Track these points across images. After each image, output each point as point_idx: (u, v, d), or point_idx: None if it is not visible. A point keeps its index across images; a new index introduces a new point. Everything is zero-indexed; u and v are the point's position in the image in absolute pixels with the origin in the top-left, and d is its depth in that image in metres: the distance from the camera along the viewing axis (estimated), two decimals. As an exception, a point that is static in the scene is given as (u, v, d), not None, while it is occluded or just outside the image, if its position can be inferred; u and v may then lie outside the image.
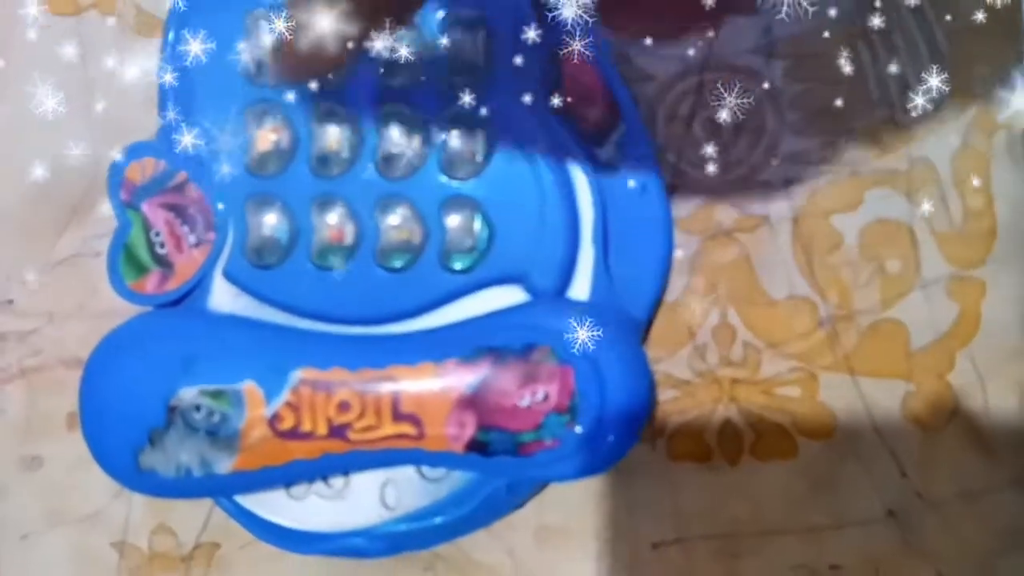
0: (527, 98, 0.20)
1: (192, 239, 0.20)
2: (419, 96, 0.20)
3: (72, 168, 0.23)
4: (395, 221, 0.20)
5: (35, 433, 0.24)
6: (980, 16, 0.21)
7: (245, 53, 0.20)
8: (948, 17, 0.22)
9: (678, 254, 0.23)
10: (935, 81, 0.22)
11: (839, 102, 0.22)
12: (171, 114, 0.20)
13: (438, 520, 0.20)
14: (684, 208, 0.23)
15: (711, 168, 0.22)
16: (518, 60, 0.20)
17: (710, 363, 0.23)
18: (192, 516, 0.24)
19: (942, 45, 0.22)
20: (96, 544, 0.24)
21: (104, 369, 0.19)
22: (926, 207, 0.22)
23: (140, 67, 0.23)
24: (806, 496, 0.23)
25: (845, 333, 0.22)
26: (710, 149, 0.22)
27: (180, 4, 0.20)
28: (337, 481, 0.20)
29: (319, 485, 0.20)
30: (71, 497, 0.24)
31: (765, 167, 0.23)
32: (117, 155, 0.21)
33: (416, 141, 0.20)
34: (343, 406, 0.18)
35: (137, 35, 0.23)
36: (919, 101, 0.22)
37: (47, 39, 0.24)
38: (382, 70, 0.20)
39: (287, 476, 0.19)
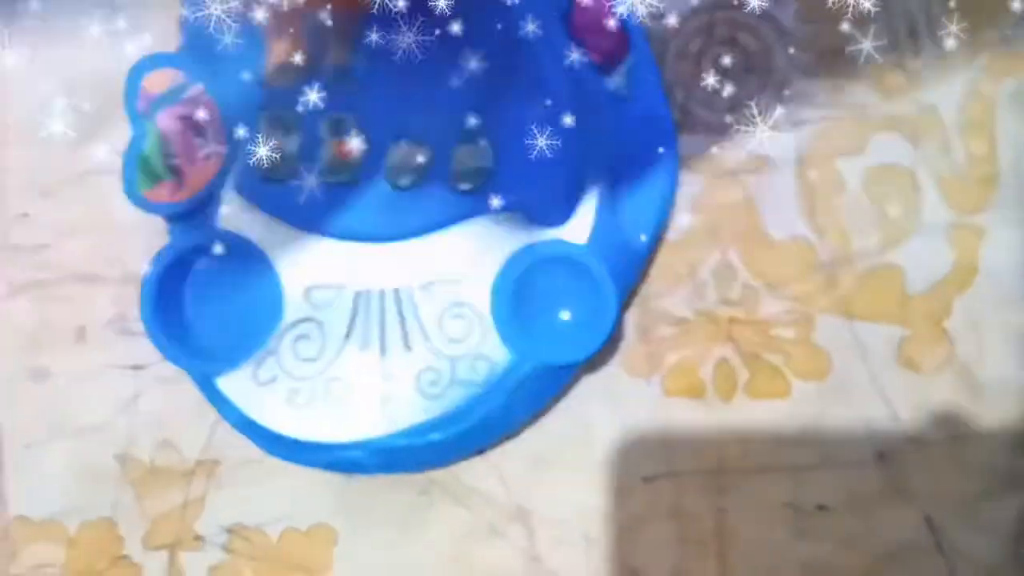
0: (535, 21, 0.20)
1: (204, 152, 0.21)
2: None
3: (89, 78, 0.24)
4: (404, 140, 0.20)
5: (43, 345, 0.25)
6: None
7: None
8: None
9: (681, 193, 0.23)
10: (944, 27, 0.22)
11: (848, 44, 0.22)
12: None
13: (435, 436, 0.20)
14: (690, 147, 0.23)
15: (718, 108, 0.23)
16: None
17: (709, 301, 0.23)
18: (195, 432, 0.24)
19: (953, -7, 0.22)
20: (99, 456, 0.24)
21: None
22: (929, 152, 0.22)
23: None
24: (797, 436, 0.23)
25: (843, 276, 0.23)
26: (718, 87, 0.22)
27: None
28: (338, 393, 0.21)
29: (321, 396, 0.21)
30: (76, 409, 0.25)
31: (772, 108, 0.23)
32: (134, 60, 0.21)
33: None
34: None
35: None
36: (927, 49, 0.22)
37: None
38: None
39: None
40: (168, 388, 0.24)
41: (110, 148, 0.24)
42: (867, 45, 0.21)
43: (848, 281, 0.23)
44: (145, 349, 0.22)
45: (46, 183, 0.24)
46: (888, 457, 0.23)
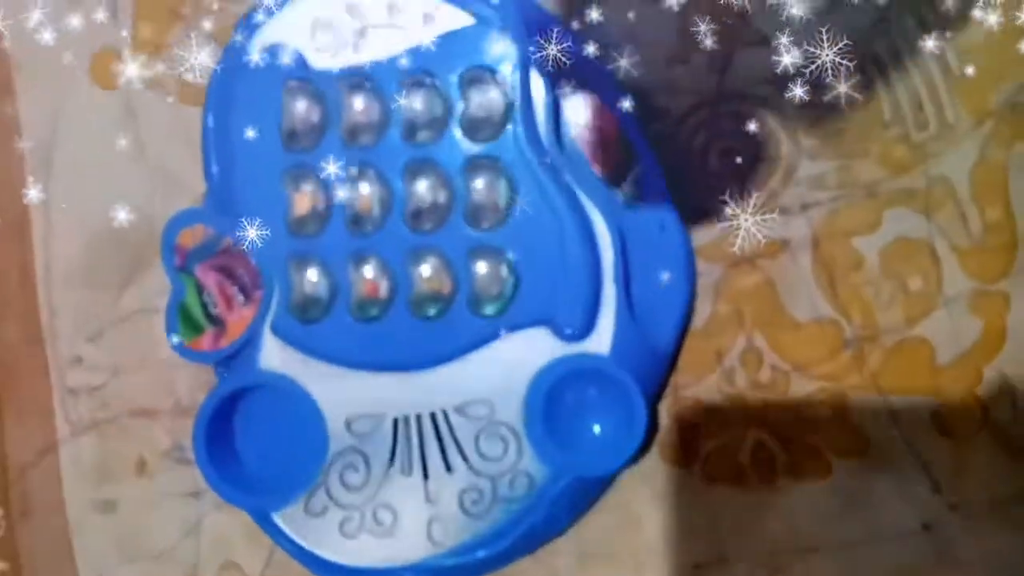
0: (542, 145, 0.21)
1: (241, 298, 0.22)
2: (441, 151, 0.21)
3: (127, 229, 0.25)
4: (426, 272, 0.21)
5: (108, 478, 0.26)
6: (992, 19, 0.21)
7: (281, 122, 0.21)
8: (949, 36, 0.22)
9: (701, 282, 0.23)
10: (948, 97, 0.22)
11: (852, 125, 0.22)
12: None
13: (482, 553, 0.21)
14: (704, 237, 0.23)
15: (729, 197, 0.23)
16: (533, 110, 0.21)
17: (739, 387, 0.23)
18: (256, 553, 0.25)
19: (953, 63, 0.22)
20: (168, 581, 0.26)
21: None
22: (945, 224, 0.22)
23: (186, 133, 0.25)
24: (842, 513, 0.23)
25: (871, 352, 0.23)
26: (726, 178, 0.23)
27: (218, 78, 0.21)
28: (386, 519, 0.22)
29: (370, 524, 0.22)
30: (143, 537, 0.26)
31: (782, 193, 0.23)
32: (167, 216, 0.22)
33: (441, 194, 0.21)
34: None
35: (182, 104, 0.25)
36: (932, 121, 0.22)
37: (97, 110, 0.25)
38: (406, 130, 0.21)
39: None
40: (227, 511, 0.25)
41: (151, 291, 0.25)
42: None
43: (876, 357, 0.23)
44: (202, 476, 0.23)
45: (95, 327, 0.26)
46: (934, 527, 0.23)
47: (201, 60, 0.24)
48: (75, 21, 0.25)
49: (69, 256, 0.26)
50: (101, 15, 0.25)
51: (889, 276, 0.23)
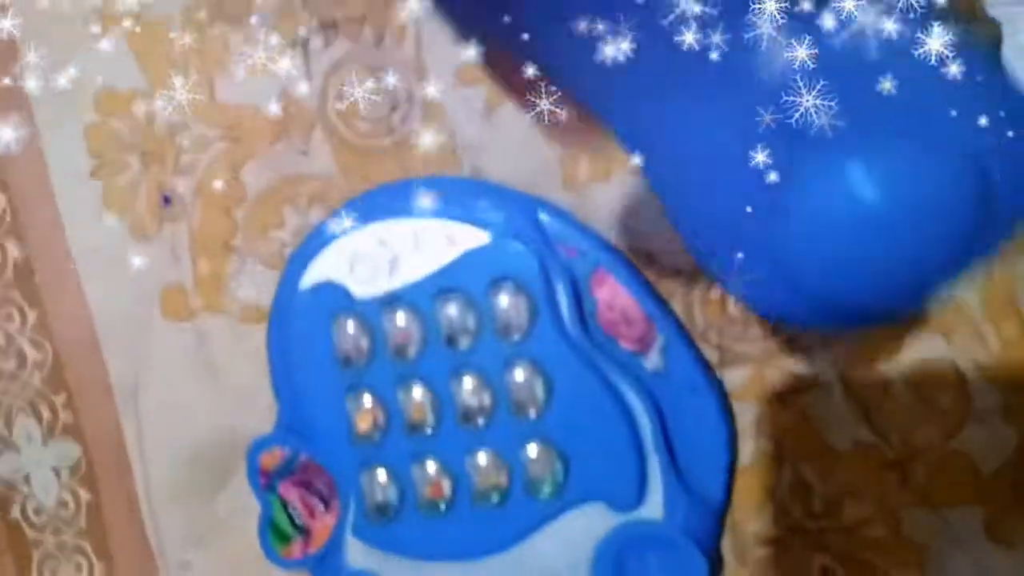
0: (570, 335, 0.22)
1: (322, 507, 0.24)
2: (479, 355, 0.23)
3: (212, 445, 0.28)
4: (483, 463, 0.23)
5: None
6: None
7: (334, 348, 0.23)
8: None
9: (741, 421, 0.25)
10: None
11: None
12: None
13: None
14: (736, 380, 0.25)
15: (753, 338, 0.25)
16: (557, 306, 0.23)
17: (795, 517, 0.25)
18: None
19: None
20: None
21: None
22: (963, 344, 0.23)
23: (253, 351, 0.27)
24: (913, 627, 0.24)
25: (915, 470, 0.24)
26: (749, 322, 0.24)
27: (274, 316, 0.24)
28: None
29: None
30: None
31: (804, 331, 0.24)
32: (242, 430, 0.25)
33: (485, 393, 0.23)
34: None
35: (242, 324, 0.28)
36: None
37: (170, 341, 0.28)
38: (446, 340, 0.23)
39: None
40: None
41: (244, 493, 0.27)
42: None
43: (921, 474, 0.24)
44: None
45: (196, 535, 0.28)
46: (1006, 633, 0.23)
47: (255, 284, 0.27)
48: (138, 261, 0.28)
49: (165, 478, 0.28)
50: (162, 255, 0.28)
51: (919, 397, 0.24)
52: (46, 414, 0.30)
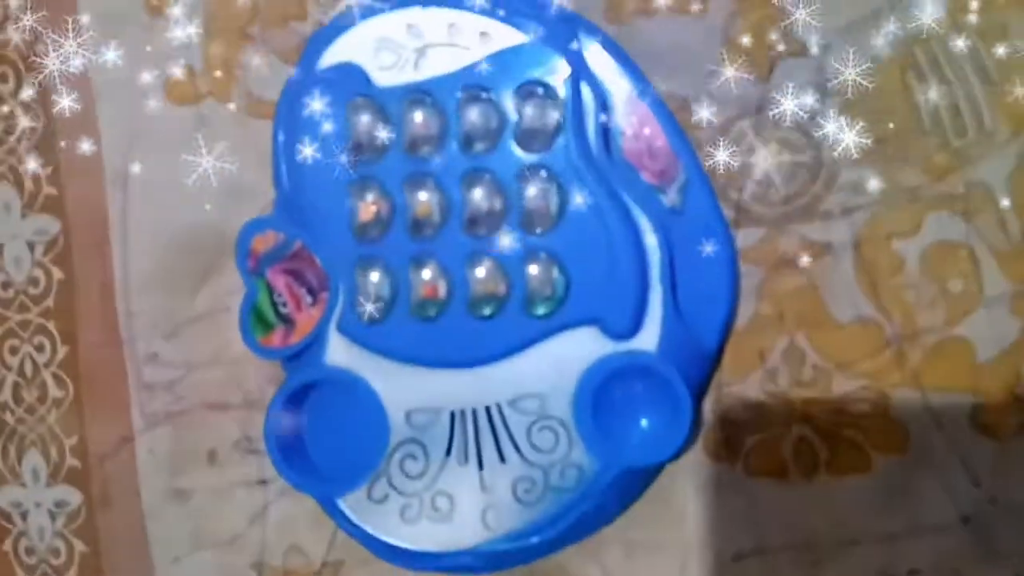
0: (592, 155, 0.22)
1: (309, 299, 0.23)
2: (496, 161, 0.22)
3: (202, 233, 0.27)
4: (482, 274, 0.22)
5: (181, 468, 0.28)
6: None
7: (347, 136, 0.22)
8: (995, 41, 0.23)
9: (745, 283, 0.24)
10: (986, 106, 0.23)
11: (893, 132, 0.23)
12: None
13: (535, 539, 0.22)
14: (748, 239, 0.24)
15: (772, 201, 0.24)
16: (583, 122, 0.22)
17: (782, 385, 0.24)
18: (319, 537, 0.27)
19: (991, 69, 0.23)
20: (237, 565, 0.27)
21: None
22: (984, 228, 0.23)
23: (255, 144, 0.26)
24: (882, 506, 0.24)
25: (912, 351, 0.24)
26: (770, 183, 0.24)
27: (287, 95, 0.23)
28: (444, 506, 0.23)
29: (428, 510, 0.23)
30: (214, 524, 0.27)
31: (825, 197, 0.24)
32: (236, 222, 0.24)
33: (497, 200, 0.22)
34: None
35: (250, 117, 0.27)
36: (971, 128, 0.23)
37: (171, 124, 0.27)
38: (464, 141, 0.22)
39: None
40: (292, 498, 0.27)
41: (223, 292, 0.27)
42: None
43: (917, 355, 0.24)
44: (269, 465, 0.25)
45: (170, 327, 0.28)
46: (973, 520, 0.23)
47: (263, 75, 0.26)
48: (149, 47, 0.27)
49: (145, 264, 0.27)
50: (175, 35, 0.27)
51: (930, 278, 0.23)
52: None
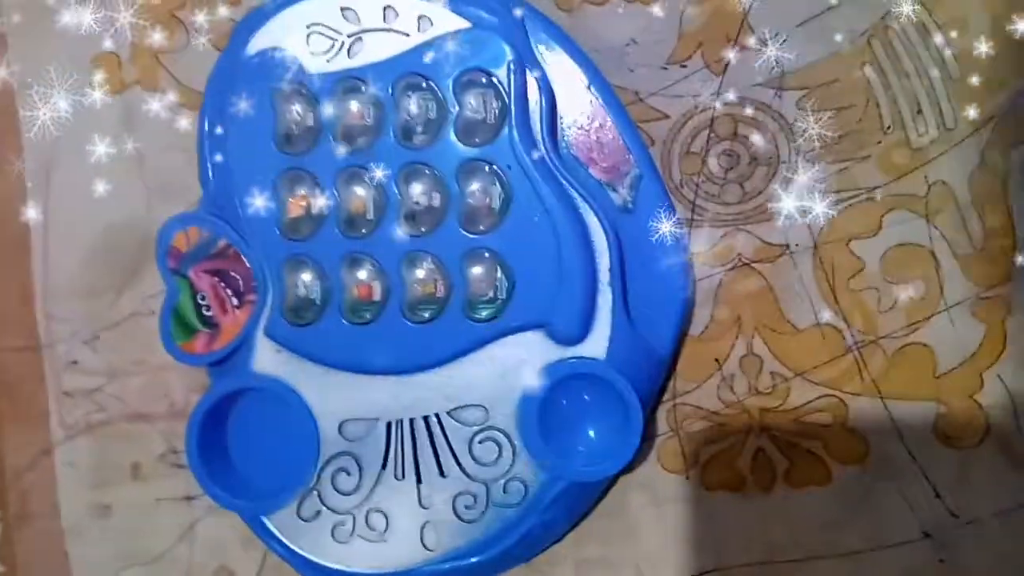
0: (537, 150, 0.20)
1: (235, 301, 0.22)
2: (436, 155, 0.21)
3: (127, 232, 0.25)
4: (420, 275, 0.21)
5: (103, 482, 0.26)
6: (985, 48, 0.21)
7: (276, 126, 0.21)
8: (955, 36, 0.22)
9: (700, 286, 0.23)
10: (947, 102, 0.22)
11: (851, 129, 0.22)
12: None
13: (475, 559, 0.21)
14: (703, 241, 0.23)
15: (728, 201, 0.23)
16: (528, 113, 0.21)
17: (739, 393, 0.23)
18: (250, 558, 0.25)
19: (952, 67, 0.22)
20: (164, 585, 0.26)
21: None
22: (945, 228, 0.22)
23: (183, 139, 0.24)
24: (842, 520, 0.23)
25: (872, 358, 0.23)
26: (726, 182, 0.23)
27: (214, 82, 0.21)
28: (379, 524, 0.21)
29: (362, 528, 0.21)
30: (139, 541, 0.26)
31: (782, 196, 0.23)
32: (163, 221, 0.22)
33: (436, 197, 0.21)
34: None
35: (179, 107, 0.25)
36: (932, 125, 0.22)
37: (96, 117, 0.25)
38: (401, 133, 0.21)
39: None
40: (221, 516, 0.25)
41: (146, 295, 0.25)
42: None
43: (878, 363, 0.23)
44: (196, 480, 0.23)
45: (90, 332, 0.26)
46: (935, 534, 0.22)
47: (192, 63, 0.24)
48: (74, 33, 0.25)
49: (68, 265, 0.25)
50: (100, 20, 0.25)
51: (890, 281, 0.22)
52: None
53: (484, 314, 0.21)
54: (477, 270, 0.21)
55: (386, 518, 0.21)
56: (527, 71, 0.21)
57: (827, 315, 0.23)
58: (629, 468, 0.23)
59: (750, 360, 0.23)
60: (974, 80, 0.22)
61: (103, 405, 0.26)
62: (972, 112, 0.22)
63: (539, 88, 0.21)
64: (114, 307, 0.26)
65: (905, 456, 0.22)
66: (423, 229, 0.21)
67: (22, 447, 0.26)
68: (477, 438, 0.21)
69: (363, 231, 0.21)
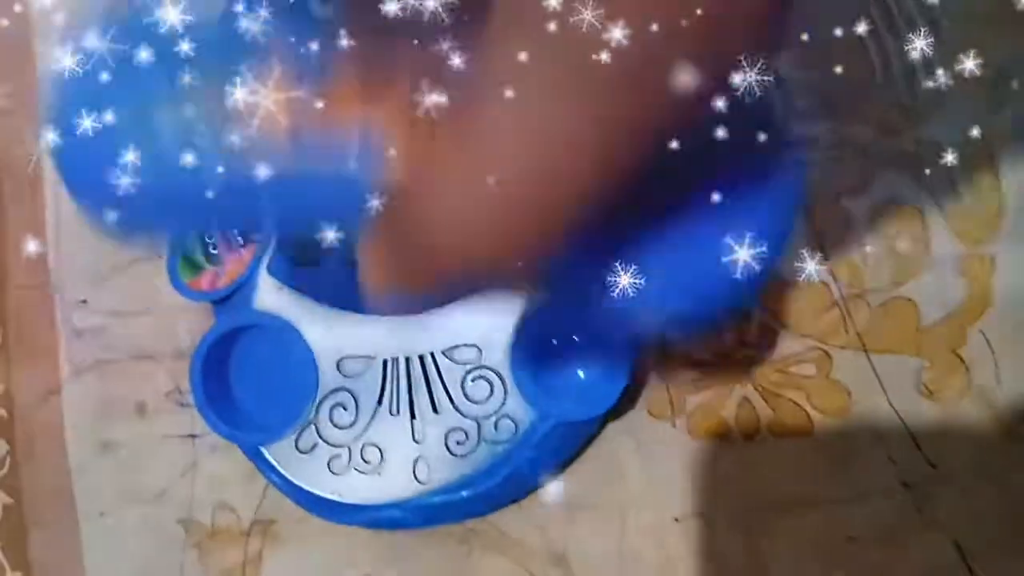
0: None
1: (240, 240, 0.22)
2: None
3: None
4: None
5: (109, 420, 0.27)
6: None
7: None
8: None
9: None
10: (940, 62, 0.22)
11: (845, 87, 0.23)
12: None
13: (466, 493, 0.22)
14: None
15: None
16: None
17: (727, 343, 0.24)
18: (250, 494, 0.26)
19: (945, 27, 0.23)
20: (165, 521, 0.26)
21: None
22: (934, 187, 0.22)
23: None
24: (822, 470, 0.23)
25: (857, 312, 0.23)
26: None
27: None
28: (374, 457, 0.22)
29: (358, 461, 0.22)
30: (142, 478, 0.26)
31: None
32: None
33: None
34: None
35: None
36: (927, 83, 0.22)
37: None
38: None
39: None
40: (222, 453, 0.26)
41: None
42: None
43: (863, 317, 0.23)
44: (199, 419, 0.24)
45: (100, 272, 0.26)
46: (913, 486, 0.23)
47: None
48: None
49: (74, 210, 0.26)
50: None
51: (878, 236, 0.23)
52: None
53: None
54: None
55: (380, 452, 0.22)
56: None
57: (816, 269, 0.23)
58: (617, 414, 0.24)
59: (739, 312, 0.24)
60: (968, 37, 0.22)
61: (111, 344, 0.27)
62: (968, 65, 0.22)
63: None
64: (122, 248, 0.26)
65: (887, 408, 0.23)
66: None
67: (31, 385, 0.27)
68: (470, 376, 0.22)
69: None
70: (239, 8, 0.12)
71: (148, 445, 0.26)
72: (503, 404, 0.22)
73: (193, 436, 0.26)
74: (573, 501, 0.24)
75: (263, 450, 0.23)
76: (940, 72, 0.22)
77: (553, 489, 0.24)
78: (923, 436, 0.23)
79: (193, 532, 0.26)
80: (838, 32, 0.22)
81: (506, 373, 0.22)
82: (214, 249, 0.23)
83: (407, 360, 0.22)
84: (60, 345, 0.27)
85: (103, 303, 0.27)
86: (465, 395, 0.22)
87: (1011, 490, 0.22)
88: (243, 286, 0.22)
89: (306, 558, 0.25)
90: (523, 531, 0.24)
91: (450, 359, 0.22)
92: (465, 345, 0.22)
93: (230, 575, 0.26)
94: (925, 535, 0.23)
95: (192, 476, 0.26)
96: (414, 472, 0.22)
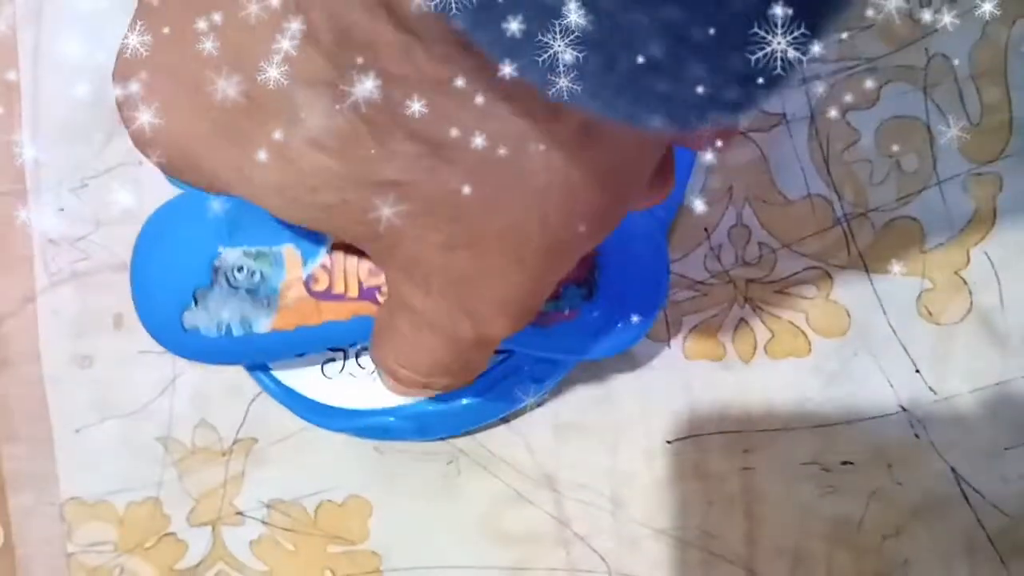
0: None
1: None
2: None
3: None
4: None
5: (85, 332, 0.26)
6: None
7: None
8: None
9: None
10: (954, -24, 0.22)
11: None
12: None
13: (464, 401, 0.21)
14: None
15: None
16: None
17: (725, 263, 0.23)
18: (231, 412, 0.25)
19: (962, -60, 0.22)
20: (143, 438, 0.26)
21: (154, 234, 0.20)
22: (942, 102, 0.22)
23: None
24: (819, 393, 0.23)
25: (860, 231, 0.23)
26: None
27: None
28: (368, 363, 0.21)
29: (352, 366, 0.21)
30: (119, 393, 0.26)
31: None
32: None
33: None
34: (373, 270, 0.19)
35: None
36: (938, -2, 0.22)
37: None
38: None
39: (320, 338, 0.20)
40: (204, 370, 0.25)
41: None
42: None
43: (865, 236, 0.23)
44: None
45: (78, 179, 0.25)
46: (911, 410, 0.23)
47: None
48: None
49: (57, 110, 0.25)
50: None
51: (884, 153, 0.22)
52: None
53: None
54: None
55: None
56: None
57: (819, 186, 0.23)
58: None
59: (739, 230, 0.23)
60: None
61: (88, 253, 0.26)
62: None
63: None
64: (103, 154, 0.25)
65: (887, 330, 0.23)
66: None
67: (5, 292, 0.26)
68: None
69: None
70: None
71: (126, 359, 0.25)
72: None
73: (173, 351, 0.25)
74: (564, 422, 0.24)
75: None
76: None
77: (544, 410, 0.24)
78: (922, 359, 0.22)
79: (172, 450, 0.25)
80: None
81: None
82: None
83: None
84: (36, 253, 0.26)
85: (81, 211, 0.26)
86: (459, 301, 0.21)
87: (1008, 417, 0.22)
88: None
89: (288, 477, 0.24)
90: (513, 451, 0.24)
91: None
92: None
93: (210, 495, 0.25)
94: (922, 459, 0.22)
95: (171, 393, 0.25)
96: (406, 379, 0.21)
